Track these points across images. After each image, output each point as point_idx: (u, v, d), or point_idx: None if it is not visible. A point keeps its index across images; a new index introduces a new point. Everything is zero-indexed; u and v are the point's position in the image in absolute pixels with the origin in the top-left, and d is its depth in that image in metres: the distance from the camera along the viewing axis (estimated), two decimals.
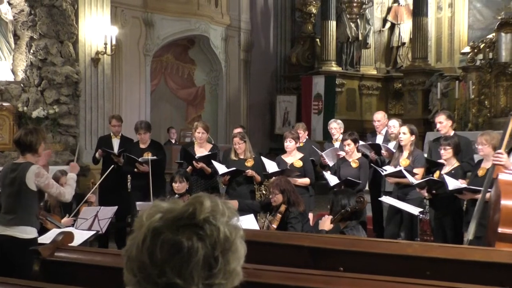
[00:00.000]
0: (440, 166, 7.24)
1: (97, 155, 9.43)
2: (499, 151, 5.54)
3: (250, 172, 8.16)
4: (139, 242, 1.46)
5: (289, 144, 8.34)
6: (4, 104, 11.00)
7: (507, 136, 5.58)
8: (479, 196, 5.79)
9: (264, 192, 8.51)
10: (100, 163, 9.60)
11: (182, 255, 1.42)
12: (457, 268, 4.13)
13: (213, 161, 8.34)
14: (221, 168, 8.21)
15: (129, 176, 9.21)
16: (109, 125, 9.89)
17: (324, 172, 8.43)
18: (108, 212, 7.15)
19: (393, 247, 4.88)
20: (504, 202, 5.26)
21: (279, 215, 7.05)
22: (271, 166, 8.17)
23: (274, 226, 7.06)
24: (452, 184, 6.61)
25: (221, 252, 1.46)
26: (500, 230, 5.21)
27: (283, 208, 7.03)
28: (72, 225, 6.90)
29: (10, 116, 10.97)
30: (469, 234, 5.72)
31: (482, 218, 5.52)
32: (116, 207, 7.36)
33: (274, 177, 7.92)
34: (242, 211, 6.86)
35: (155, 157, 8.78)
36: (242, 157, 8.30)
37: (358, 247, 4.78)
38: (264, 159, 8.35)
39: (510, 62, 14.10)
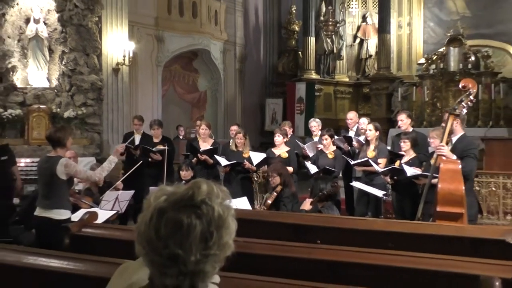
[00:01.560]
0: (400, 156, 7.26)
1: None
2: (441, 144, 5.57)
3: (247, 164, 8.24)
4: (147, 220, 1.46)
5: (278, 138, 8.46)
6: (41, 106, 11.03)
7: (447, 131, 5.60)
8: (432, 180, 5.82)
9: (255, 178, 8.57)
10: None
11: (182, 231, 1.42)
12: (414, 240, 4.15)
13: (216, 156, 8.41)
14: (224, 161, 8.32)
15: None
16: (132, 123, 9.93)
17: (306, 162, 8.44)
18: (126, 195, 7.15)
19: (362, 223, 4.89)
20: (441, 185, 5.30)
21: (275, 194, 7.23)
22: (256, 157, 8.26)
23: (269, 201, 7.19)
24: (410, 171, 6.63)
25: (216, 228, 1.45)
26: (438, 209, 5.25)
27: (279, 188, 7.18)
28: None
29: (46, 116, 10.99)
30: (418, 212, 5.74)
31: (432, 200, 5.53)
32: (133, 191, 7.35)
33: (269, 164, 8.01)
34: None
35: (167, 147, 8.81)
36: (240, 149, 8.45)
37: (333, 223, 4.79)
38: (251, 152, 8.40)
39: (457, 71, 14.12)
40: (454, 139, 5.82)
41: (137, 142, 9.35)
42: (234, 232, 1.52)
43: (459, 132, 5.84)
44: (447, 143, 5.76)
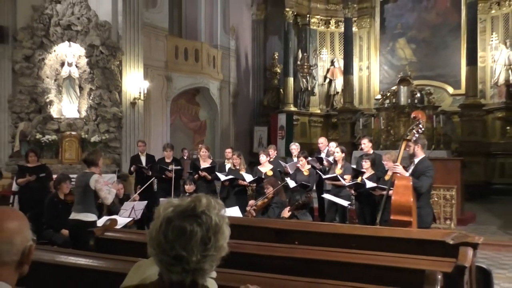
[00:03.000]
0: (362, 173, 7.27)
1: (132, 169, 9.43)
2: (396, 164, 5.56)
3: (240, 182, 8.27)
4: (157, 227, 1.46)
5: (262, 157, 8.55)
6: (72, 133, 11.03)
7: (401, 153, 5.59)
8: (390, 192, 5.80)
9: (249, 192, 8.67)
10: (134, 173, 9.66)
11: (186, 236, 1.42)
12: (372, 241, 4.15)
13: (217, 173, 8.41)
14: (223, 177, 8.35)
15: (156, 180, 9.15)
16: (137, 146, 9.93)
17: (286, 178, 8.43)
18: (141, 205, 7.11)
19: (331, 228, 4.88)
20: (393, 198, 5.29)
21: (266, 199, 7.23)
22: (247, 177, 8.26)
23: (259, 203, 7.21)
24: (369, 185, 6.64)
25: (213, 234, 1.45)
26: (391, 217, 5.23)
27: (270, 196, 7.16)
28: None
29: (76, 141, 10.98)
30: (377, 218, 5.73)
31: (389, 208, 5.50)
32: (146, 201, 7.31)
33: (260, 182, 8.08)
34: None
35: (179, 167, 8.83)
36: (238, 167, 8.46)
37: (308, 228, 4.78)
38: (243, 173, 8.39)
39: (406, 105, 14.24)
40: (416, 160, 5.68)
41: (143, 162, 9.37)
42: (228, 236, 1.51)
43: (420, 155, 5.68)
44: (410, 164, 5.75)
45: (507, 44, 14.36)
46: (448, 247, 3.67)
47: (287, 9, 16.62)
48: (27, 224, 1.54)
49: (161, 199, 7.70)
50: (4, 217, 1.50)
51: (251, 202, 7.56)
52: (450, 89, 15.42)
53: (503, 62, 14.35)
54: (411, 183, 5.32)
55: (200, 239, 1.42)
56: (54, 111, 11.36)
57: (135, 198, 7.65)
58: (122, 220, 6.24)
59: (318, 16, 17.59)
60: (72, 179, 7.39)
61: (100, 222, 5.56)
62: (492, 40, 14.86)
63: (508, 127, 14.24)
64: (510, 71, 14.22)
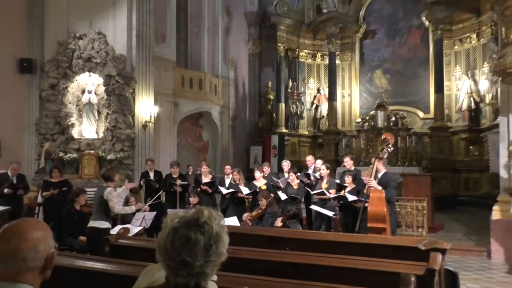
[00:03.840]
0: (345, 187, 7.28)
1: (141, 182, 9.45)
2: (370, 178, 5.64)
3: (240, 195, 8.20)
4: (165, 235, 1.46)
5: (257, 174, 8.50)
6: (91, 151, 10.98)
7: (374, 170, 5.68)
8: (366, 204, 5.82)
9: (247, 204, 8.62)
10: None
11: (190, 244, 1.42)
12: (354, 247, 4.14)
13: (219, 187, 8.36)
14: (225, 190, 8.31)
15: (164, 193, 9.11)
16: (146, 164, 9.96)
17: (278, 191, 8.41)
18: (150, 215, 7.06)
19: (318, 235, 4.87)
20: (369, 208, 5.34)
21: (260, 211, 7.19)
22: (244, 190, 8.22)
23: (254, 213, 7.16)
24: (351, 198, 6.64)
25: (214, 242, 1.45)
26: (368, 225, 5.27)
27: (263, 207, 7.11)
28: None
29: (94, 159, 10.93)
30: (356, 227, 5.75)
31: (366, 218, 5.54)
32: (155, 212, 7.26)
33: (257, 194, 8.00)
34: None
35: (185, 183, 8.84)
36: (238, 182, 8.43)
37: (297, 235, 4.76)
38: (241, 187, 8.36)
39: (383, 127, 14.28)
40: (379, 175, 5.88)
41: (152, 177, 9.44)
42: (227, 244, 1.51)
43: (382, 170, 5.91)
44: (375, 178, 5.81)
45: (468, 75, 14.54)
46: (420, 252, 3.67)
47: (279, 44, 16.80)
48: (50, 233, 1.55)
49: (168, 210, 7.66)
50: (30, 227, 1.50)
51: (245, 215, 7.54)
52: (421, 114, 15.52)
53: (466, 90, 14.52)
54: (384, 195, 5.40)
55: (203, 247, 1.42)
56: (75, 133, 11.35)
57: (146, 209, 7.60)
58: (134, 228, 6.20)
59: (306, 50, 17.76)
60: (90, 192, 7.39)
61: (115, 231, 5.52)
62: (456, 72, 15.03)
63: (471, 147, 14.33)
64: (472, 98, 14.37)
